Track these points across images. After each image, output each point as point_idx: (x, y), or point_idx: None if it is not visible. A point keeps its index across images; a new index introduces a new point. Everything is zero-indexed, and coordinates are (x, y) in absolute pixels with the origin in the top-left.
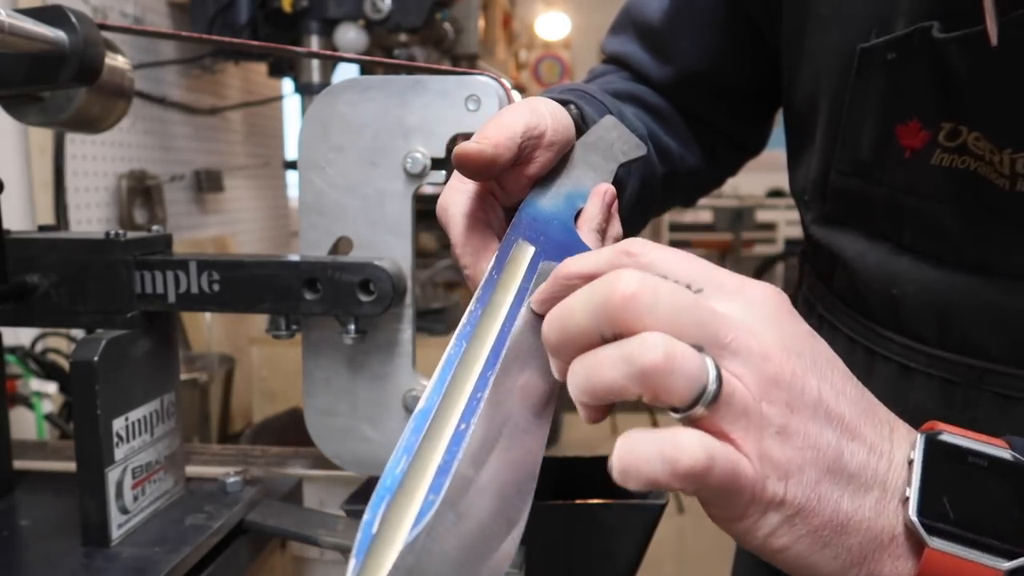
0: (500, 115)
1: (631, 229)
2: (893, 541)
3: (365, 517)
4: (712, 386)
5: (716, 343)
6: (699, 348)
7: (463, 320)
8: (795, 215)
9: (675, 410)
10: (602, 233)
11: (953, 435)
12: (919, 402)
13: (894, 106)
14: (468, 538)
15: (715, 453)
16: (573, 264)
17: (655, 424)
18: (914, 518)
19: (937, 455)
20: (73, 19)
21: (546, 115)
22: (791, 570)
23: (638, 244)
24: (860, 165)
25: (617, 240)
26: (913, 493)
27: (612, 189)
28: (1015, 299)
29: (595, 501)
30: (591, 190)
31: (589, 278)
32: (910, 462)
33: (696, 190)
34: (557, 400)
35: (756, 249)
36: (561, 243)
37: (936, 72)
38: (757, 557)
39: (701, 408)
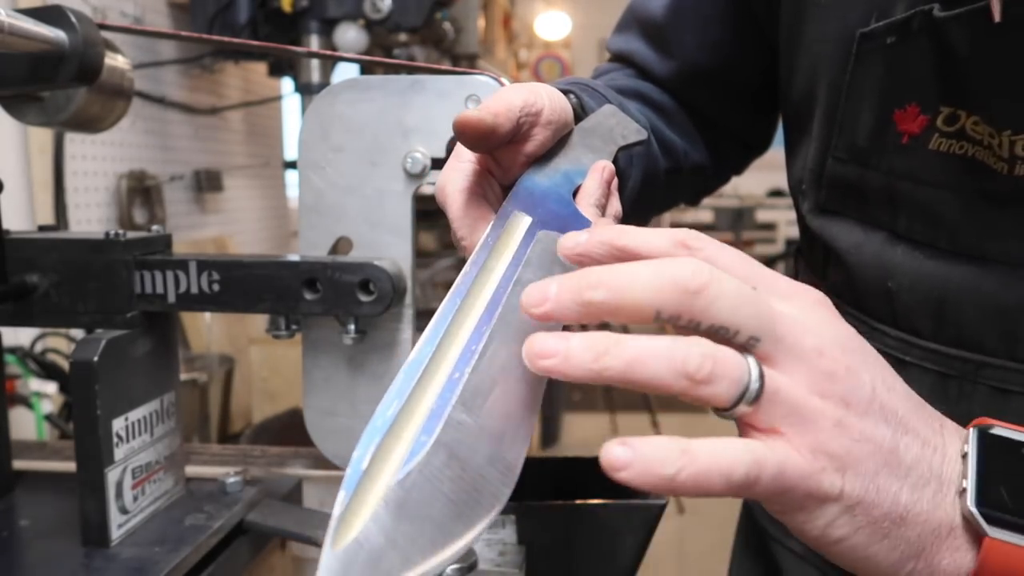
0: (499, 92)
1: (633, 224)
2: (951, 533)
3: (355, 454)
4: (754, 385)
5: (773, 337)
6: (756, 340)
7: (458, 280)
8: (795, 215)
9: (719, 410)
10: (601, 208)
11: (1005, 428)
12: None
13: (892, 91)
14: (462, 479)
15: (760, 456)
16: (628, 237)
17: (655, 425)
18: (973, 508)
19: (991, 448)
20: (73, 19)
21: (543, 95)
22: (848, 563)
23: (694, 238)
24: (857, 151)
25: (617, 218)
26: (970, 484)
27: (611, 166)
28: (1010, 291)
29: (595, 501)
30: (589, 168)
31: (641, 257)
32: (963, 456)
33: (701, 187)
34: (558, 396)
35: (756, 249)
36: (559, 215)
37: (936, 55)
38: (754, 559)
39: (744, 407)
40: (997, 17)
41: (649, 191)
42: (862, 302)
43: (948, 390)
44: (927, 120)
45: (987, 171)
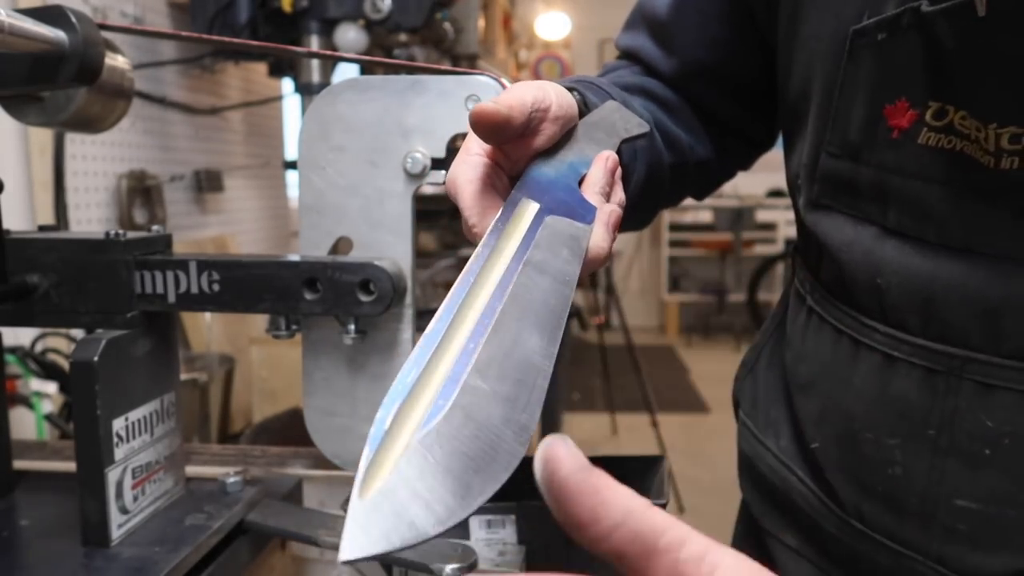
0: (510, 89)
1: (640, 219)
2: None
3: (378, 415)
4: None
5: None
6: None
7: (471, 261)
8: (794, 214)
9: None
10: (606, 196)
11: None
12: (902, 391)
13: (883, 86)
14: (478, 438)
15: None
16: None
17: (655, 424)
18: None
19: None
20: (73, 19)
21: (551, 92)
22: None
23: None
24: (849, 146)
25: (621, 205)
26: None
27: (614, 156)
28: (996, 286)
29: None
30: (594, 158)
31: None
32: None
33: (707, 182)
34: (558, 396)
35: (756, 249)
36: (566, 202)
37: (925, 50)
38: (750, 554)
39: None
40: (981, 11)
41: (654, 185)
42: (853, 299)
43: (935, 385)
44: (916, 115)
45: (974, 165)
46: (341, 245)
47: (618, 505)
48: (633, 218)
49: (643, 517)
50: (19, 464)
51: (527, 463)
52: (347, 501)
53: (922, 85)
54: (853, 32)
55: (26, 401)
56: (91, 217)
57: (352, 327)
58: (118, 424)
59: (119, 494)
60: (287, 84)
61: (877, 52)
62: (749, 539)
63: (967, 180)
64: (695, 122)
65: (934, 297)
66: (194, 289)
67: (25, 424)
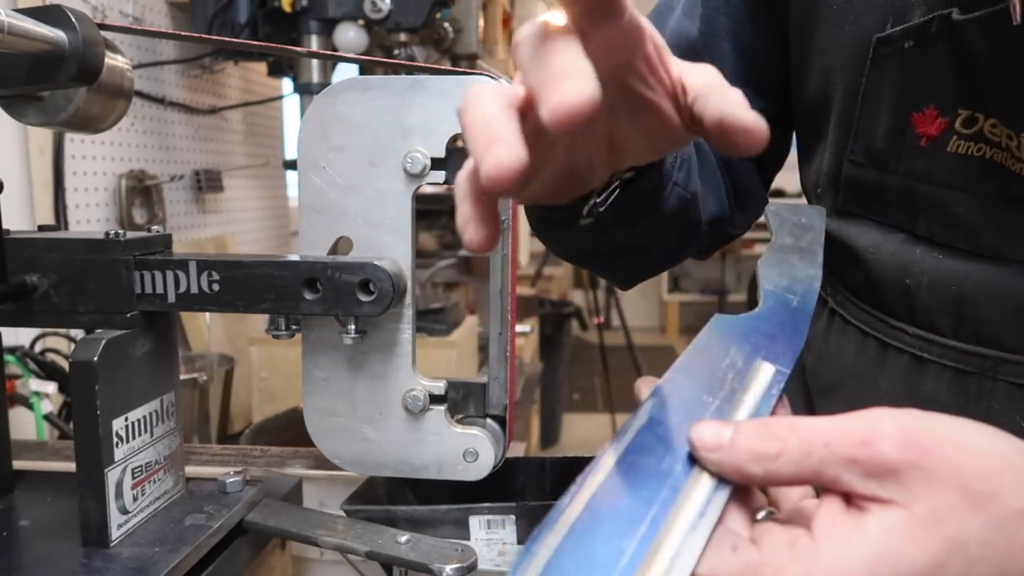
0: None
1: (645, 266)
2: None
3: None
4: None
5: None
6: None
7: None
8: None
9: None
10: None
11: None
12: (933, 393)
13: (910, 94)
14: None
15: None
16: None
17: None
18: None
19: None
20: (73, 19)
21: None
22: None
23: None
24: (875, 155)
25: None
26: None
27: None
28: None
29: None
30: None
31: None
32: None
33: (713, 239)
34: (558, 396)
35: (756, 249)
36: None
37: (954, 58)
38: None
39: None
40: (1016, 19)
41: (678, 226)
42: (881, 300)
43: (967, 387)
44: (945, 123)
45: (1005, 172)
46: (341, 245)
47: (784, 464)
48: (635, 263)
49: (795, 455)
50: (19, 464)
51: (527, 463)
52: (347, 501)
53: (951, 93)
54: (876, 40)
55: (26, 401)
56: (91, 217)
57: (352, 327)
58: (118, 424)
59: (119, 494)
60: (287, 84)
61: (903, 60)
62: None
63: (997, 188)
64: (715, 169)
65: (966, 297)
66: (194, 289)
67: (25, 424)
